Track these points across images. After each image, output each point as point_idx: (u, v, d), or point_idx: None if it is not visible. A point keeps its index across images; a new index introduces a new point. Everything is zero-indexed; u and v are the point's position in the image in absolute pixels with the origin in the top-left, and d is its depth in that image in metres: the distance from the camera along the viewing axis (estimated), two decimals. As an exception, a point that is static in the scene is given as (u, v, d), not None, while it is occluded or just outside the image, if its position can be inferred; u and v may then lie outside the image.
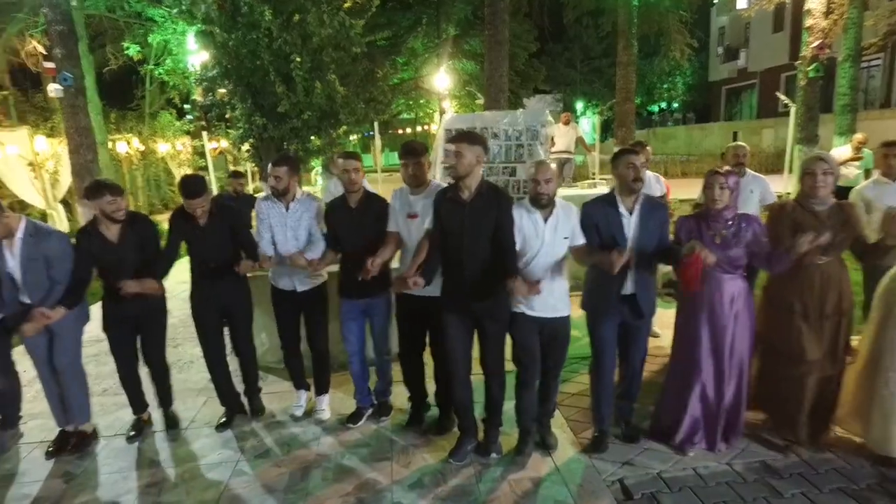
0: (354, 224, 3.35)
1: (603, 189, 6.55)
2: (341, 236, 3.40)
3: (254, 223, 4.10)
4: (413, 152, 3.18)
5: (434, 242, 3.01)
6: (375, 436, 3.49)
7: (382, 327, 3.55)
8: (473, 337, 3.11)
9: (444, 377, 3.31)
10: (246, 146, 7.00)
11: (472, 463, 3.15)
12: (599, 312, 3.09)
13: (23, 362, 3.55)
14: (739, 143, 4.42)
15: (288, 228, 3.48)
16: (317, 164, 10.40)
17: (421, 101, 23.78)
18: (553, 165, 3.09)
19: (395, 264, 3.46)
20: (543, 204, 2.88)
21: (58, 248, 3.21)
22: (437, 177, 7.70)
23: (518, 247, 2.90)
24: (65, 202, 10.59)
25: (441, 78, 17.76)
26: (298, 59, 6.19)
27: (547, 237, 2.90)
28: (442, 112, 19.46)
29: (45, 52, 13.37)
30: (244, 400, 3.86)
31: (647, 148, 4.76)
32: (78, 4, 8.37)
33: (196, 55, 13.23)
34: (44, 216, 9.70)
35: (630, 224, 2.95)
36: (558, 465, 3.10)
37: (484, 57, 15.26)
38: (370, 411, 3.69)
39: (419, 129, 34.18)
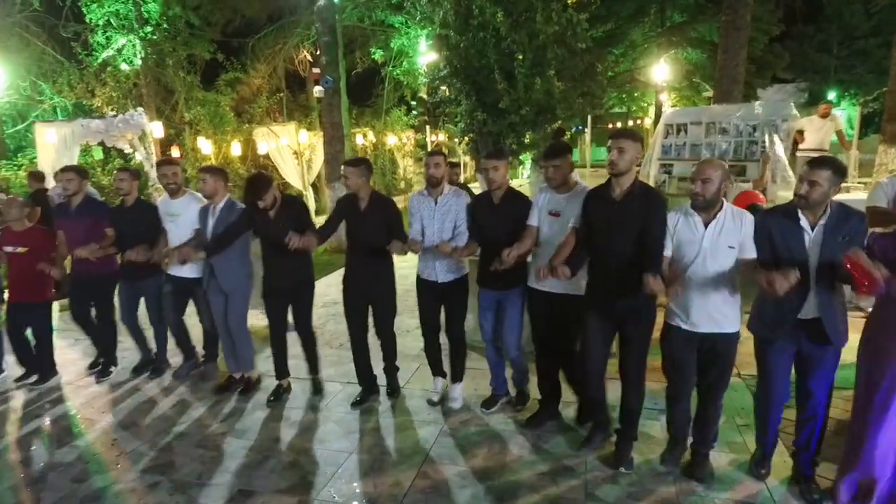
0: (496, 219, 3.46)
1: (859, 195, 5.55)
2: (482, 229, 3.51)
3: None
4: (553, 154, 3.22)
5: (580, 239, 3.02)
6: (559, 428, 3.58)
7: (515, 318, 3.57)
8: (613, 340, 3.07)
9: (578, 374, 3.33)
10: (466, 139, 7.51)
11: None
12: (770, 338, 2.74)
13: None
14: None
15: (436, 220, 3.64)
16: (525, 159, 10.66)
17: (635, 95, 22.62)
18: (723, 163, 2.80)
19: (528, 258, 3.49)
20: (702, 206, 2.69)
21: (235, 220, 3.93)
22: (652, 174, 7.36)
23: (670, 252, 2.79)
24: (314, 185, 12.62)
25: (660, 69, 16.68)
26: (521, 57, 6.44)
27: (706, 244, 2.71)
28: (658, 105, 18.28)
29: (311, 60, 16.04)
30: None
31: None
32: (339, 18, 9.87)
33: (425, 56, 14.60)
34: (300, 196, 11.72)
35: (812, 240, 2.57)
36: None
37: (715, 44, 13.90)
38: (505, 399, 3.84)
39: (631, 123, 32.56)
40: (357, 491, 3.00)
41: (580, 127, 23.00)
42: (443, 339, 3.90)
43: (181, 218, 4.20)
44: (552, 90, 6.49)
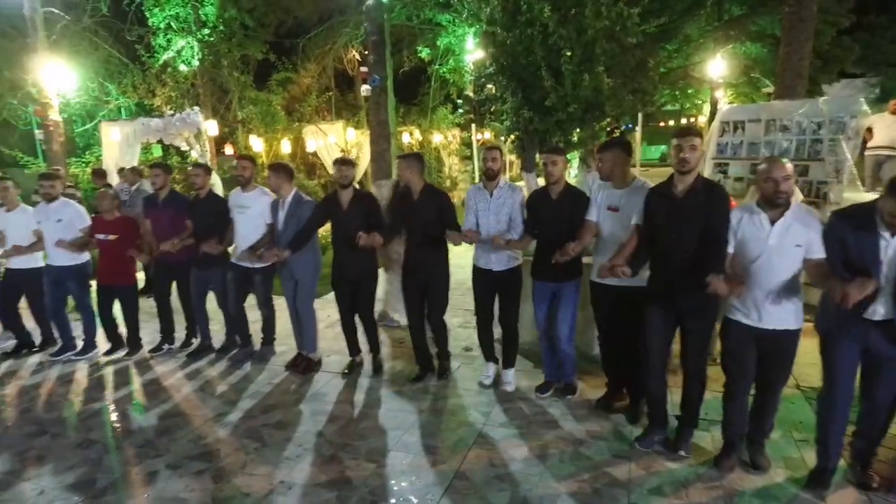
0: (553, 213, 3.56)
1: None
2: (540, 224, 3.63)
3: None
4: (602, 147, 3.42)
5: (642, 236, 3.05)
6: (612, 430, 3.48)
7: (569, 311, 3.68)
8: (675, 333, 3.09)
9: (638, 367, 3.31)
10: (511, 137, 7.43)
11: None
12: (837, 336, 2.69)
13: (326, 308, 4.58)
14: None
15: (491, 213, 3.78)
16: (573, 158, 10.46)
17: (689, 92, 21.82)
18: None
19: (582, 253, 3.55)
20: (783, 204, 2.64)
21: (308, 214, 4.26)
22: (706, 174, 7.06)
23: (733, 248, 2.78)
24: (360, 183, 12.82)
25: (716, 64, 16.01)
26: (569, 54, 6.30)
27: (772, 242, 2.67)
28: (713, 103, 17.58)
29: (360, 59, 16.27)
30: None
31: None
32: (388, 17, 9.95)
33: (471, 54, 14.54)
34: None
35: (890, 247, 2.47)
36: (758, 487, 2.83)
37: (777, 38, 13.23)
38: (557, 385, 3.95)
39: (684, 121, 31.50)
40: (395, 489, 3.00)
41: (630, 125, 22.38)
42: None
43: (250, 210, 4.46)
44: (601, 87, 6.33)
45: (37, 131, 11.65)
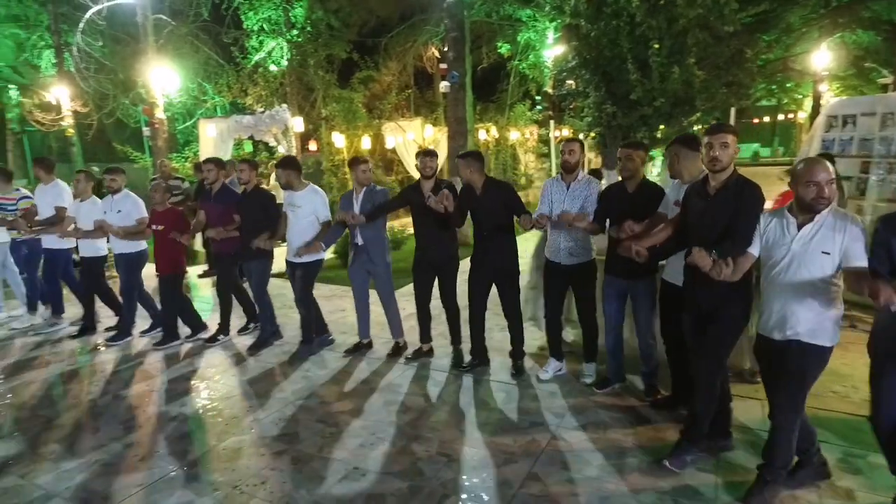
0: (628, 207, 3.49)
1: None
2: (614, 216, 3.58)
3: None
4: (671, 143, 3.38)
5: (676, 230, 3.04)
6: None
7: (644, 310, 3.65)
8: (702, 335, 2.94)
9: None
10: (592, 134, 7.22)
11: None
12: (887, 359, 2.45)
13: (399, 301, 4.73)
14: None
15: (565, 203, 3.80)
16: (657, 155, 10.00)
17: (787, 86, 20.24)
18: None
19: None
20: (818, 210, 2.45)
21: (381, 199, 4.48)
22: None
23: (757, 251, 2.66)
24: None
25: (821, 55, 14.73)
26: (658, 45, 6.02)
27: (795, 247, 2.51)
28: (816, 97, 16.21)
29: (439, 56, 16.43)
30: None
31: None
32: (468, 14, 9.97)
33: (552, 49, 14.27)
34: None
35: None
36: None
37: (894, 24, 11.98)
38: (617, 385, 3.93)
39: (781, 117, 29.31)
40: (466, 485, 2.99)
41: (718, 122, 21.07)
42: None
43: (301, 209, 4.61)
44: (691, 80, 6.00)
45: (144, 129, 12.70)
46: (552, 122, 14.65)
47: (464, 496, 2.89)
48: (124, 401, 4.13)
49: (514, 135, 16.35)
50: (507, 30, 15.20)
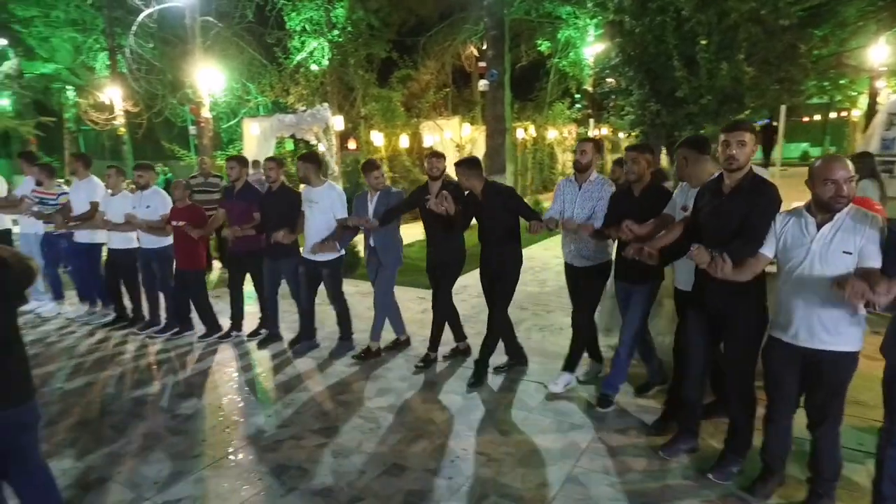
0: (634, 211, 3.39)
1: None
2: (620, 220, 3.41)
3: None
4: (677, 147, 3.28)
5: (686, 231, 2.94)
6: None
7: (635, 314, 3.56)
8: (712, 340, 2.91)
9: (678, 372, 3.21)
10: (635, 133, 7.08)
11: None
12: None
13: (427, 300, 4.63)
14: None
15: (577, 204, 3.75)
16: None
17: (841, 82, 19.35)
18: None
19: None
20: (836, 210, 2.36)
21: (395, 202, 4.47)
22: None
23: (771, 252, 2.56)
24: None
25: (879, 50, 14.04)
26: (705, 42, 5.86)
27: (815, 248, 2.41)
28: (873, 94, 15.46)
29: (477, 55, 16.41)
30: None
31: None
32: (507, 12, 9.91)
33: (592, 47, 14.07)
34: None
35: None
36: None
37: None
38: (658, 387, 3.86)
39: (833, 115, 28.08)
40: (504, 484, 2.97)
41: (769, 119, 20.46)
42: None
43: (319, 205, 4.63)
44: (741, 76, 5.82)
45: (191, 127, 13.13)
46: (591, 120, 14.45)
47: (503, 496, 2.87)
48: (167, 390, 4.27)
49: (551, 133, 16.17)
50: (546, 27, 15.07)
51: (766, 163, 14.65)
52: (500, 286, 4.10)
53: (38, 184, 5.90)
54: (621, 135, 14.61)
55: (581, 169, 3.76)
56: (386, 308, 4.72)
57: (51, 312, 6.19)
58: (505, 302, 4.13)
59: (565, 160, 16.55)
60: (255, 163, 8.38)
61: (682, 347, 3.08)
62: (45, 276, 6.21)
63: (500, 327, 4.19)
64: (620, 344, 3.69)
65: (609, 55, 7.14)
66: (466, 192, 4.12)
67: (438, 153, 4.46)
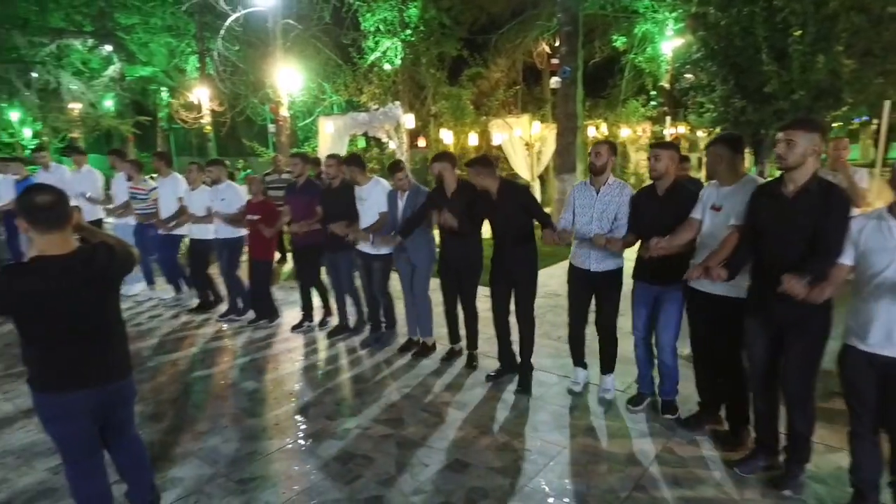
0: (658, 211, 3.34)
1: None
2: (645, 221, 3.40)
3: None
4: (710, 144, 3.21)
5: (743, 239, 2.81)
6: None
7: (673, 317, 3.42)
8: (778, 349, 2.75)
9: (737, 384, 3.12)
10: (716, 131, 6.74)
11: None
12: None
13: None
14: None
15: (594, 210, 3.59)
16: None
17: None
18: None
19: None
20: None
21: (423, 200, 4.42)
22: None
23: (850, 261, 2.43)
24: (540, 177, 12.73)
25: None
26: (799, 33, 5.47)
27: None
28: None
29: (549, 52, 16.16)
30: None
31: None
32: (582, 7, 9.69)
33: (671, 41, 13.48)
34: (527, 185, 11.89)
35: None
36: None
37: None
38: (650, 399, 3.71)
39: (946, 112, 25.42)
40: (568, 488, 2.92)
41: (864, 117, 18.89)
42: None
43: (367, 202, 4.77)
44: (838, 69, 5.40)
45: (270, 126, 13.77)
46: (668, 118, 13.87)
47: (566, 499, 2.82)
48: (242, 374, 4.51)
49: (624, 132, 15.65)
50: (622, 22, 14.59)
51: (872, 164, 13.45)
52: (519, 289, 3.99)
53: (129, 179, 6.39)
54: (700, 133, 13.92)
55: (596, 171, 3.60)
56: (427, 299, 4.75)
57: (144, 297, 6.71)
58: (530, 303, 4.02)
59: (638, 159, 15.96)
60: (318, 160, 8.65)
61: (749, 363, 2.93)
62: (139, 264, 6.70)
63: (530, 329, 4.07)
64: (661, 350, 3.53)
65: (690, 49, 6.83)
66: (476, 193, 4.03)
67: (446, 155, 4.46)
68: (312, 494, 2.92)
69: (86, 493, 2.44)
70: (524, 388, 4.03)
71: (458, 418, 3.67)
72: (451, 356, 4.65)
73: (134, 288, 6.81)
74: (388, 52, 13.79)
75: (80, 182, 6.74)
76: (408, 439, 3.43)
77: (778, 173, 2.72)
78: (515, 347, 4.19)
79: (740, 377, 3.13)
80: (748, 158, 6.71)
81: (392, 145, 10.11)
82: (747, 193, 2.87)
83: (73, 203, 2.38)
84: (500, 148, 12.51)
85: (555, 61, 10.45)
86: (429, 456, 3.24)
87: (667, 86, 14.55)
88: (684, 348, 3.74)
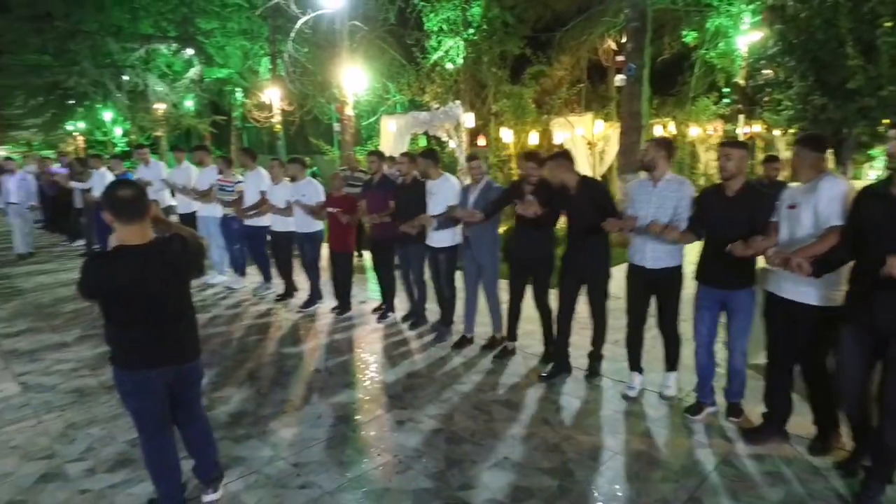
0: (727, 212, 3.24)
1: None
2: (711, 222, 3.32)
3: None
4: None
5: (843, 241, 2.67)
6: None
7: (745, 323, 3.31)
8: (875, 358, 2.65)
9: (826, 391, 2.99)
10: (793, 129, 6.37)
11: None
12: None
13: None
14: None
15: (651, 204, 3.55)
16: (878, 154, 8.56)
17: None
18: None
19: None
20: None
21: (496, 195, 4.48)
22: None
23: None
24: (603, 177, 12.43)
25: None
26: (889, 24, 5.07)
27: None
28: None
29: (615, 49, 15.74)
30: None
31: None
32: (650, 1, 9.37)
33: (746, 35, 12.79)
34: (605, 184, 11.66)
35: None
36: None
37: None
38: (712, 409, 3.57)
39: None
40: (618, 494, 2.87)
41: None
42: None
43: (436, 197, 4.93)
44: (935, 63, 4.95)
45: (335, 124, 14.20)
46: (741, 116, 13.19)
47: (615, 506, 2.78)
48: (308, 364, 4.71)
49: (693, 131, 15.00)
50: (693, 16, 13.97)
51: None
52: (591, 286, 4.05)
53: (220, 172, 6.91)
54: (776, 132, 13.13)
55: (646, 168, 3.62)
56: (495, 298, 4.81)
57: (226, 284, 7.19)
58: (602, 300, 4.08)
59: (708, 159, 15.25)
60: (392, 158, 8.83)
61: (841, 370, 2.80)
62: (228, 254, 7.24)
63: (603, 323, 4.15)
64: (732, 354, 3.42)
65: (766, 44, 6.47)
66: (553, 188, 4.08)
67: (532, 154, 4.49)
68: (363, 482, 3.02)
69: (158, 465, 2.65)
70: (593, 373, 4.18)
71: (508, 417, 3.68)
72: (504, 354, 4.68)
73: (217, 278, 7.31)
74: (450, 52, 13.87)
75: (179, 176, 7.46)
76: (457, 435, 3.47)
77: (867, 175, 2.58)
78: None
79: (826, 384, 3.01)
80: (830, 160, 6.28)
81: (452, 144, 10.19)
82: (824, 189, 2.79)
83: (166, 194, 2.62)
84: (561, 147, 12.32)
85: (620, 58, 10.16)
86: (477, 453, 3.27)
87: (741, 82, 13.82)
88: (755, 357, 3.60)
